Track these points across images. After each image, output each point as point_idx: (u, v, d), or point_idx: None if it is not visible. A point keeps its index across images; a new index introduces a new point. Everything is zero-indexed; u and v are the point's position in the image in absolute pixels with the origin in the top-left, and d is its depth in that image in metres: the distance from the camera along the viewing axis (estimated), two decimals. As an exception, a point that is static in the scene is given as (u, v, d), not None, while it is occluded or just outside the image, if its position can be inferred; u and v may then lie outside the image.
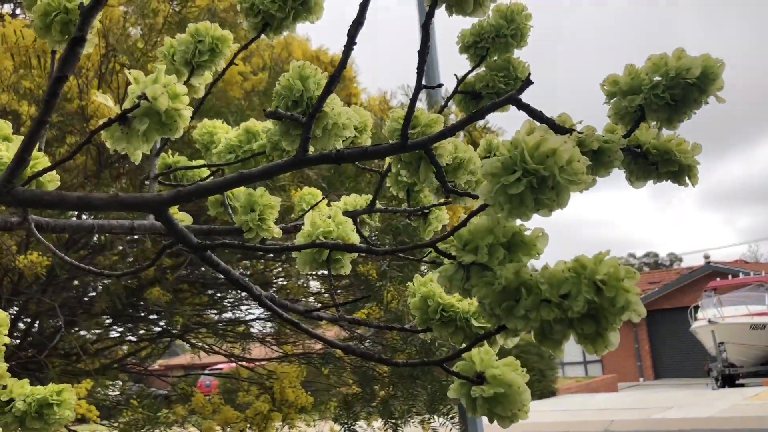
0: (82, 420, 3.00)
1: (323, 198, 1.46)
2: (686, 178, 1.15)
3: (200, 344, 5.15)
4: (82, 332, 5.56)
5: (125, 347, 5.77)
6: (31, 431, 1.38)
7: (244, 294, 4.87)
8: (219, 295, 5.22)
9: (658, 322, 23.86)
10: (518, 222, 0.88)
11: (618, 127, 1.11)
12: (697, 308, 21.00)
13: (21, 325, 4.68)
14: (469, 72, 1.50)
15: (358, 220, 1.55)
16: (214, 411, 3.80)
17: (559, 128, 1.01)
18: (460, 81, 1.48)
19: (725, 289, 21.71)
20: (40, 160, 0.97)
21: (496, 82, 1.48)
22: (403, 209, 1.52)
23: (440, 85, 1.32)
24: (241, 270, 5.32)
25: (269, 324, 5.14)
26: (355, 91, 4.38)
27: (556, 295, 0.80)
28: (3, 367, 1.41)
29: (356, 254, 1.24)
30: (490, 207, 0.83)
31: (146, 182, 1.34)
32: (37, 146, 1.05)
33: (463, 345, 1.04)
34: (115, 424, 3.53)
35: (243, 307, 5.03)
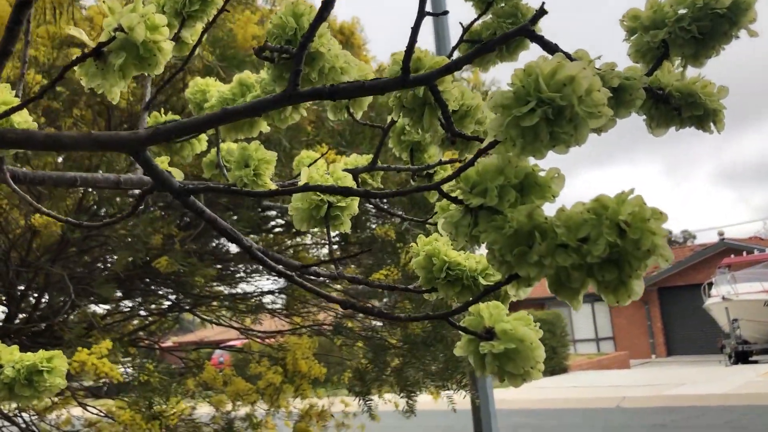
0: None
1: (324, 154, 1.38)
2: (711, 123, 1.06)
3: (210, 318, 5.12)
4: (93, 307, 5.56)
5: (136, 322, 5.75)
6: (21, 399, 1.32)
7: (255, 266, 4.82)
8: (231, 269, 5.18)
9: (671, 299, 23.73)
10: (531, 162, 0.80)
11: (638, 68, 1.03)
12: (710, 285, 20.86)
13: (30, 299, 4.66)
14: (475, 20, 1.41)
15: (359, 180, 1.48)
16: (225, 383, 3.77)
17: (577, 64, 0.92)
18: (466, 29, 1.39)
19: (739, 266, 21.52)
20: (6, 97, 0.90)
21: (503, 30, 1.39)
22: (408, 167, 1.44)
23: (445, 12, 1.24)
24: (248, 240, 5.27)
25: (280, 298, 5.10)
26: (364, 58, 4.28)
27: (574, 239, 0.72)
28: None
29: (356, 211, 1.16)
30: (501, 144, 0.75)
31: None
32: (14, 92, 0.98)
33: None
34: (126, 398, 3.50)
35: (254, 281, 4.98)
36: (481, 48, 0.83)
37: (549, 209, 0.81)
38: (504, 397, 14.06)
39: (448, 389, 4.04)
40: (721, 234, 24.67)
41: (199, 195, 0.83)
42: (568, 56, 0.87)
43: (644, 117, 1.09)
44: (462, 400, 4.46)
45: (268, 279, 4.92)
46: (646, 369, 19.77)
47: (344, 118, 1.41)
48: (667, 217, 0.71)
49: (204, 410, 4.50)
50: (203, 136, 1.56)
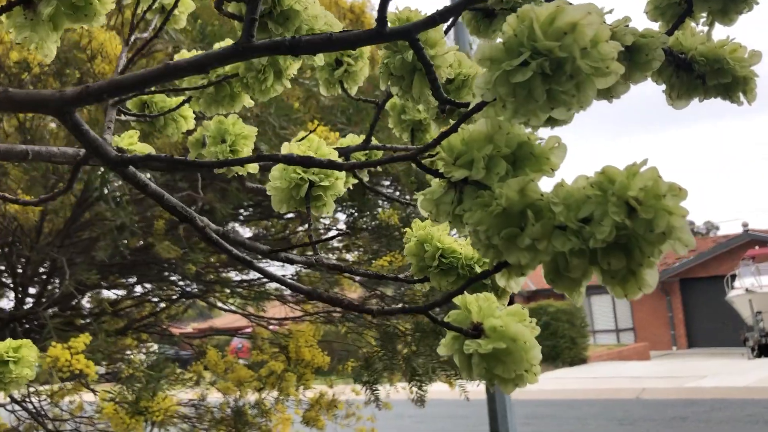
0: (79, 375, 2.89)
1: (313, 130, 1.27)
2: (740, 93, 0.93)
3: (221, 305, 5.04)
4: (105, 292, 5.51)
5: (146, 308, 5.69)
6: (-15, 389, 1.23)
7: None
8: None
9: (692, 291, 23.35)
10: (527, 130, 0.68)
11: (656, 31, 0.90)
12: (734, 277, 20.49)
13: (31, 290, 4.61)
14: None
15: (351, 159, 1.36)
16: (227, 370, 3.70)
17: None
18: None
19: (764, 258, 21.10)
20: None
21: (513, -6, 1.26)
22: (405, 147, 1.32)
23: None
24: (261, 230, 5.18)
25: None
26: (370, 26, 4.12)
27: (575, 219, 0.60)
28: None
29: (341, 191, 1.05)
30: (489, 106, 0.64)
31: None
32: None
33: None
34: (111, 391, 3.42)
35: (266, 266, 4.88)
36: (471, -2, 0.71)
37: (547, 185, 0.69)
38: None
39: (460, 378, 3.93)
40: (745, 225, 24.22)
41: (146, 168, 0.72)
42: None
43: (664, 87, 0.96)
44: (477, 389, 4.35)
45: (282, 265, 4.82)
46: (667, 361, 19.49)
47: (337, 93, 1.29)
48: (687, 194, 0.59)
49: (215, 396, 4.45)
50: (189, 114, 1.45)
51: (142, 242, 4.29)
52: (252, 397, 4.17)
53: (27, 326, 4.67)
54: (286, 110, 3.03)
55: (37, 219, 3.17)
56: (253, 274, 5.30)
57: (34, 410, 4.67)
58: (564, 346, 18.80)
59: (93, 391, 4.50)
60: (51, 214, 4.05)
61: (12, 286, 4.52)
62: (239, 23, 0.94)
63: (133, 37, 1.30)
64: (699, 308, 23.29)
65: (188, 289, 4.85)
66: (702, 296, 23.17)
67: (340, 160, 1.06)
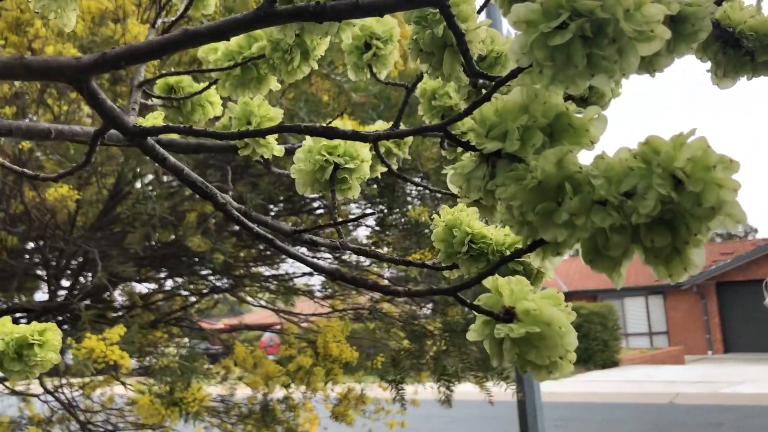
0: (113, 367, 2.91)
1: (339, 116, 1.24)
2: (794, 71, 0.88)
3: (249, 299, 5.05)
4: (137, 287, 5.56)
5: (177, 302, 5.73)
6: (11, 374, 1.22)
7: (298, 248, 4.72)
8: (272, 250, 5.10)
9: (729, 294, 22.87)
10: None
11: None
12: (773, 281, 20.03)
13: (64, 283, 4.66)
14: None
15: (380, 147, 1.33)
16: (255, 365, 3.69)
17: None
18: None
19: (805, 262, 20.61)
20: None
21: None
22: (433, 127, 1.28)
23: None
24: (290, 226, 5.17)
25: (318, 279, 5.00)
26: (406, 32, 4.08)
27: (616, 193, 0.55)
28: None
29: (367, 174, 1.02)
30: (525, 73, 0.60)
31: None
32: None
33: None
34: (145, 383, 3.44)
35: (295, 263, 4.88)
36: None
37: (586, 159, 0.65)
38: (552, 389, 13.77)
39: (489, 381, 3.87)
40: (785, 228, 23.61)
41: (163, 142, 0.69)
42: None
43: (710, 64, 0.91)
44: (506, 392, 4.30)
45: (315, 258, 4.81)
46: (702, 365, 19.12)
47: (366, 77, 1.26)
48: (739, 166, 0.54)
49: (243, 391, 4.46)
50: (216, 100, 1.44)
51: (173, 236, 4.31)
52: (280, 392, 4.17)
53: (60, 318, 4.73)
54: (316, 104, 3.01)
55: (73, 210, 3.20)
56: (282, 269, 5.31)
57: (66, 401, 4.73)
58: (596, 348, 18.55)
59: (124, 384, 4.55)
60: (85, 206, 4.10)
61: (45, 278, 4.58)
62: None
63: (159, 21, 1.29)
64: (736, 312, 22.80)
65: (218, 283, 4.87)
66: (739, 300, 22.68)
67: (365, 144, 1.03)
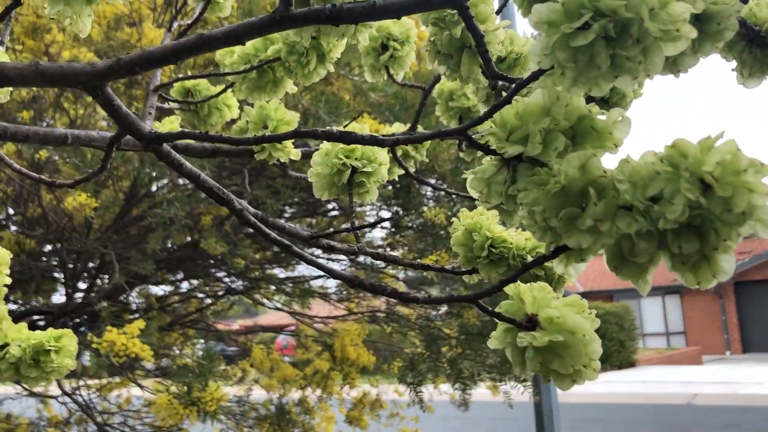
0: (136, 359, 2.92)
1: (357, 117, 1.23)
2: (822, 70, 0.85)
3: (264, 301, 5.06)
4: (153, 290, 5.58)
5: (193, 304, 5.75)
6: (28, 380, 1.22)
7: (312, 249, 4.71)
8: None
9: (747, 294, 22.64)
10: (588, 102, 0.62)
11: None
12: (791, 280, 19.82)
13: (81, 285, 4.69)
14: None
15: (396, 150, 1.31)
16: (272, 368, 3.69)
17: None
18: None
19: (823, 260, 20.37)
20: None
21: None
22: (452, 131, 1.27)
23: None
24: (306, 227, 5.17)
25: (333, 282, 4.99)
26: (423, 34, 4.07)
27: (642, 198, 0.54)
28: (3, 309, 1.26)
29: (385, 177, 1.01)
30: (547, 75, 0.58)
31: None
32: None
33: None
34: (164, 383, 3.45)
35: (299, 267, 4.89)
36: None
37: (610, 162, 0.64)
38: (569, 390, 13.68)
39: (505, 383, 3.84)
40: (804, 226, 23.35)
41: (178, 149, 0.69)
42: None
43: (735, 63, 0.89)
44: (522, 393, 4.27)
45: (330, 260, 4.81)
46: (720, 366, 18.93)
47: (383, 79, 1.25)
48: (770, 170, 0.52)
49: (259, 393, 4.46)
50: (233, 103, 1.43)
51: (189, 238, 4.32)
52: (296, 395, 4.17)
53: (77, 320, 4.76)
54: (336, 104, 3.00)
55: (91, 214, 3.22)
56: (298, 272, 5.30)
57: (83, 403, 4.76)
58: (613, 349, 18.43)
59: (140, 385, 4.57)
60: (102, 209, 4.12)
61: (63, 281, 4.60)
62: None
63: (175, 24, 1.28)
64: (754, 312, 22.57)
65: (233, 285, 4.88)
66: (758, 299, 22.46)
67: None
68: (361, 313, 4.25)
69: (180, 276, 5.48)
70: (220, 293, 5.18)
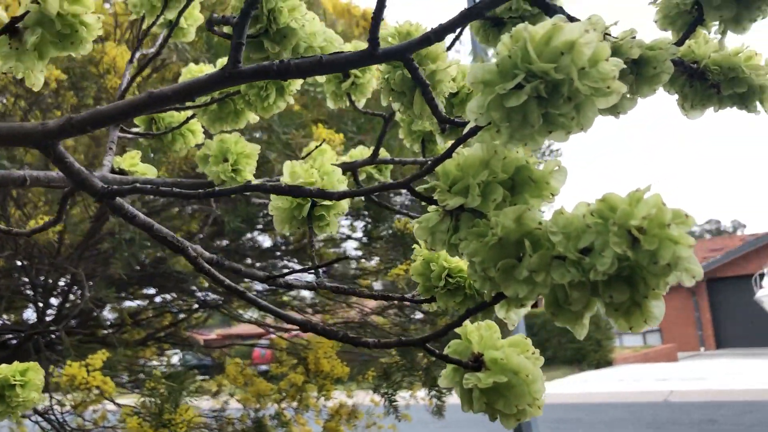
0: (99, 392, 2.90)
1: (322, 143, 1.25)
2: (757, 102, 0.89)
3: (240, 312, 5.04)
4: (127, 304, 5.54)
5: (167, 318, 5.71)
6: (-8, 414, 1.23)
7: (288, 264, 4.71)
8: (258, 264, 5.09)
9: (720, 290, 23.00)
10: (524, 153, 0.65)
11: (666, 38, 0.86)
12: (762, 276, 20.18)
13: (54, 301, 4.64)
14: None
15: (359, 173, 1.33)
16: (246, 383, 3.69)
17: (588, 33, 0.76)
18: (473, 3, 1.24)
19: (794, 256, 20.77)
20: None
21: (521, 5, 1.23)
22: (413, 160, 1.29)
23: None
24: (280, 238, 5.17)
25: (309, 294, 5.00)
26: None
27: (574, 250, 0.56)
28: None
29: (345, 209, 1.03)
30: (485, 130, 0.61)
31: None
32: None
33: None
34: (134, 405, 3.43)
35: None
36: (467, 13, 0.68)
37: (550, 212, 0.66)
38: (546, 391, 13.79)
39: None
40: (773, 223, 23.77)
41: (131, 196, 0.70)
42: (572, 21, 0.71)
43: (677, 97, 0.92)
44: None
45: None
46: (695, 362, 19.19)
47: (345, 105, 1.27)
48: (694, 221, 0.55)
49: (236, 406, 4.44)
50: (197, 128, 1.44)
51: (159, 253, 4.31)
52: (273, 408, 4.16)
53: (51, 338, 4.71)
54: (290, 116, 3.01)
55: (54, 238, 3.20)
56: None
57: (56, 421, 4.70)
58: (589, 348, 18.59)
59: (115, 403, 4.53)
60: (71, 227, 4.09)
61: (33, 298, 4.56)
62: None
63: (138, 54, 1.29)
64: (727, 308, 22.94)
65: (207, 299, 4.86)
66: (730, 296, 22.83)
67: (343, 178, 1.03)
68: (335, 324, 4.26)
69: (153, 291, 5.45)
70: (195, 307, 5.16)
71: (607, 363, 18.95)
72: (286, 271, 0.84)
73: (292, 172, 0.98)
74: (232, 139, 1.11)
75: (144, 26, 1.27)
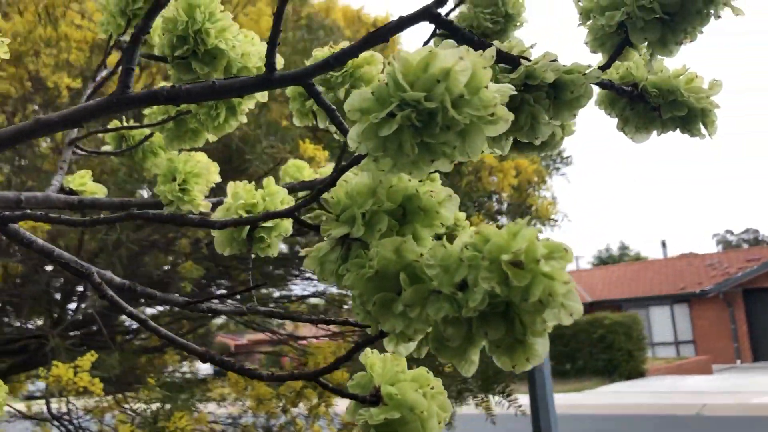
0: (85, 392, 2.95)
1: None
2: (700, 126, 0.86)
3: (246, 322, 5.07)
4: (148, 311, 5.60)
5: (185, 326, 5.76)
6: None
7: (293, 272, 4.72)
8: (276, 272, 5.11)
9: (757, 301, 22.43)
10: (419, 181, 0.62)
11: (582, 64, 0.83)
12: (801, 286, 19.65)
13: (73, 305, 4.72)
14: (452, 10, 1.23)
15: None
16: (247, 387, 3.70)
17: (505, 57, 0.74)
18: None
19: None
20: None
21: (481, 21, 1.20)
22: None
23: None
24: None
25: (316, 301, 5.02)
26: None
27: (450, 284, 0.54)
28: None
29: (288, 231, 1.01)
30: (368, 159, 0.59)
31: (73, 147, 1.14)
32: None
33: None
34: (130, 412, 3.47)
35: (292, 286, 4.90)
36: (371, 36, 0.66)
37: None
38: (576, 402, 13.59)
39: (488, 399, 3.83)
40: (813, 232, 23.15)
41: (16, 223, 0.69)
42: (490, 49, 0.69)
43: (617, 120, 0.89)
44: (508, 409, 4.25)
45: (307, 281, 4.82)
46: (730, 375, 18.75)
47: (311, 123, 1.26)
48: (572, 256, 0.53)
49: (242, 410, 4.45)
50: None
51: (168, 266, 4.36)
52: (283, 418, 4.16)
53: (66, 343, 4.78)
54: (276, 128, 3.03)
55: (44, 236, 3.26)
56: (288, 291, 5.31)
57: (73, 426, 4.77)
58: (621, 359, 18.29)
59: (132, 409, 4.58)
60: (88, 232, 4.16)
61: (48, 303, 4.63)
62: (171, 62, 0.91)
63: (104, 72, 1.30)
64: (764, 320, 22.36)
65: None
66: (767, 307, 22.26)
67: (288, 199, 1.02)
68: (343, 333, 4.24)
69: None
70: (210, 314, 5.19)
71: (639, 374, 18.61)
72: (209, 296, 0.83)
73: (234, 192, 0.97)
74: (182, 158, 1.10)
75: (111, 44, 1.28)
